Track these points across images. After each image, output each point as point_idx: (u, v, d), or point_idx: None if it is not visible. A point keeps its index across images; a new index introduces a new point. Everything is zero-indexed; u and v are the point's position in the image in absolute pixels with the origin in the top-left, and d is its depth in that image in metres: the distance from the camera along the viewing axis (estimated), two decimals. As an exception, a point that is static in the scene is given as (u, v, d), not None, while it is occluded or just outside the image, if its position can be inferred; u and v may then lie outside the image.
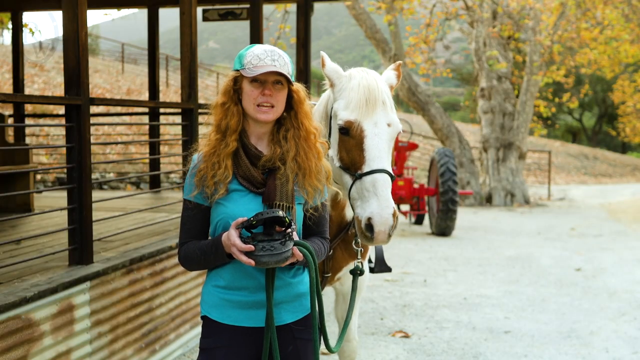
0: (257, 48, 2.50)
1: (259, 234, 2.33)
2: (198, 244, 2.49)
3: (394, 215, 2.68)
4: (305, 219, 2.57)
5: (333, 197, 3.15)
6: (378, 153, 2.76)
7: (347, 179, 2.83)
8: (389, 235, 2.69)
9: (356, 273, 3.12)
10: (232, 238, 2.33)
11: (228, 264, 2.49)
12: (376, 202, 2.69)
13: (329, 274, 3.39)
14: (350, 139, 2.82)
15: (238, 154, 2.50)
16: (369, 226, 2.69)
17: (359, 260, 3.13)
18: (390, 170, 2.79)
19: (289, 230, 2.33)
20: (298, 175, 2.51)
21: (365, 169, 2.75)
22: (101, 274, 4.14)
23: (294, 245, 2.35)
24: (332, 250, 3.31)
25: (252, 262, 2.31)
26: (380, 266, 3.88)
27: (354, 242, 3.18)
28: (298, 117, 2.54)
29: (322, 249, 2.57)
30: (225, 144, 2.48)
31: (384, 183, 2.71)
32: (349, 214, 3.31)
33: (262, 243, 2.29)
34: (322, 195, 2.58)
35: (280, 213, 2.30)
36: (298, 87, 2.56)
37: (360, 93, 2.82)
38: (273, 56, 2.46)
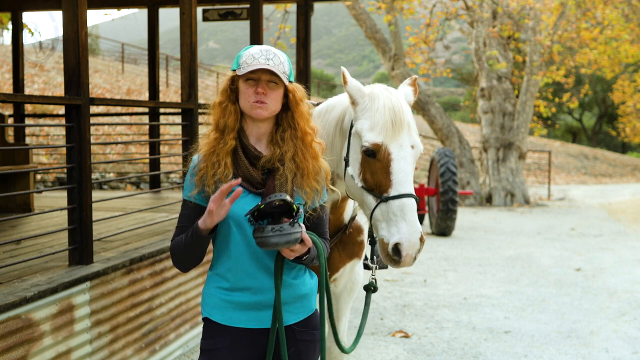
0: (254, 48, 2.52)
1: (268, 224, 2.34)
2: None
3: (421, 239, 2.69)
4: (305, 220, 2.57)
5: (333, 202, 3.18)
6: (405, 177, 2.76)
7: (371, 200, 2.82)
8: (415, 259, 2.71)
9: (370, 289, 3.12)
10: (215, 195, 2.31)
11: (229, 264, 2.49)
12: (405, 227, 2.69)
13: (328, 273, 3.40)
14: (376, 161, 2.79)
15: (237, 154, 2.51)
16: (397, 250, 2.70)
17: (373, 277, 3.12)
18: (414, 193, 2.79)
19: (297, 215, 2.33)
20: (296, 175, 2.51)
21: (393, 192, 2.74)
22: (101, 274, 4.14)
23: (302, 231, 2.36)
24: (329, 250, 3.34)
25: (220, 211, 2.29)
26: (377, 263, 3.89)
27: (369, 259, 3.17)
28: (294, 117, 2.55)
29: (325, 248, 2.58)
30: (224, 142, 2.49)
31: (412, 208, 2.71)
32: (346, 217, 3.34)
33: (271, 225, 2.30)
34: (320, 196, 2.58)
35: (288, 198, 2.30)
36: (295, 87, 2.56)
37: (386, 115, 2.80)
38: (268, 55, 2.48)
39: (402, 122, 2.81)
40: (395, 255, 2.71)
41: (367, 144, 2.80)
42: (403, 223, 2.70)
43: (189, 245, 2.44)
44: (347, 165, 2.93)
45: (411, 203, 2.72)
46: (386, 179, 2.77)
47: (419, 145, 2.87)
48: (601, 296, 7.55)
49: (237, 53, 2.59)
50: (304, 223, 2.56)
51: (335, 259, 3.40)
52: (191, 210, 2.52)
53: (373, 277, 3.14)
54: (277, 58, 2.49)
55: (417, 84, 3.07)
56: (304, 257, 2.43)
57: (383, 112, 2.81)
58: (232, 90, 2.54)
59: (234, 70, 2.53)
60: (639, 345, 5.78)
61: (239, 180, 2.31)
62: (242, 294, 2.50)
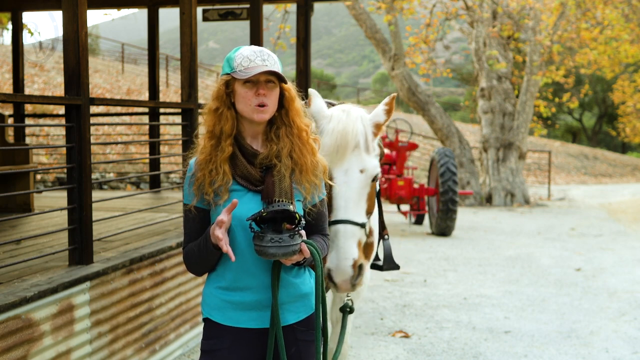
0: (245, 50, 2.52)
1: (268, 230, 2.34)
2: (196, 241, 2.52)
3: (354, 265, 2.67)
4: (305, 215, 2.57)
5: None
6: (344, 203, 2.75)
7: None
8: (353, 285, 2.69)
9: (345, 311, 3.04)
10: (214, 228, 2.35)
11: (230, 263, 2.49)
12: (335, 254, 2.70)
13: (324, 281, 3.39)
14: None
15: (235, 155, 2.51)
16: (330, 276, 2.70)
17: (349, 298, 3.08)
18: (360, 219, 2.74)
19: (299, 225, 2.33)
20: (295, 171, 2.52)
21: (332, 217, 2.74)
22: (101, 274, 4.14)
23: (302, 242, 2.36)
24: None
25: (231, 254, 2.33)
26: (389, 264, 3.86)
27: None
28: (289, 114, 2.56)
29: (324, 246, 2.58)
30: (221, 149, 2.48)
31: (345, 234, 2.70)
32: None
33: (270, 234, 2.30)
34: (319, 191, 2.58)
35: (291, 207, 2.31)
36: (288, 85, 2.58)
37: (333, 139, 2.78)
38: (262, 56, 2.48)
39: (347, 147, 2.78)
40: (330, 281, 2.71)
41: None
42: (334, 251, 2.70)
43: (204, 257, 2.48)
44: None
45: (345, 229, 2.70)
46: (330, 204, 2.77)
47: (372, 169, 2.83)
48: (601, 296, 7.55)
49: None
50: (304, 218, 2.56)
51: None
52: (194, 217, 2.53)
53: (349, 298, 3.05)
54: (271, 58, 2.50)
55: (394, 103, 3.03)
56: (302, 262, 2.45)
57: (331, 135, 2.80)
58: (227, 95, 2.52)
59: (229, 74, 2.51)
60: (639, 345, 5.78)
61: (236, 202, 2.33)
62: (242, 294, 2.49)
